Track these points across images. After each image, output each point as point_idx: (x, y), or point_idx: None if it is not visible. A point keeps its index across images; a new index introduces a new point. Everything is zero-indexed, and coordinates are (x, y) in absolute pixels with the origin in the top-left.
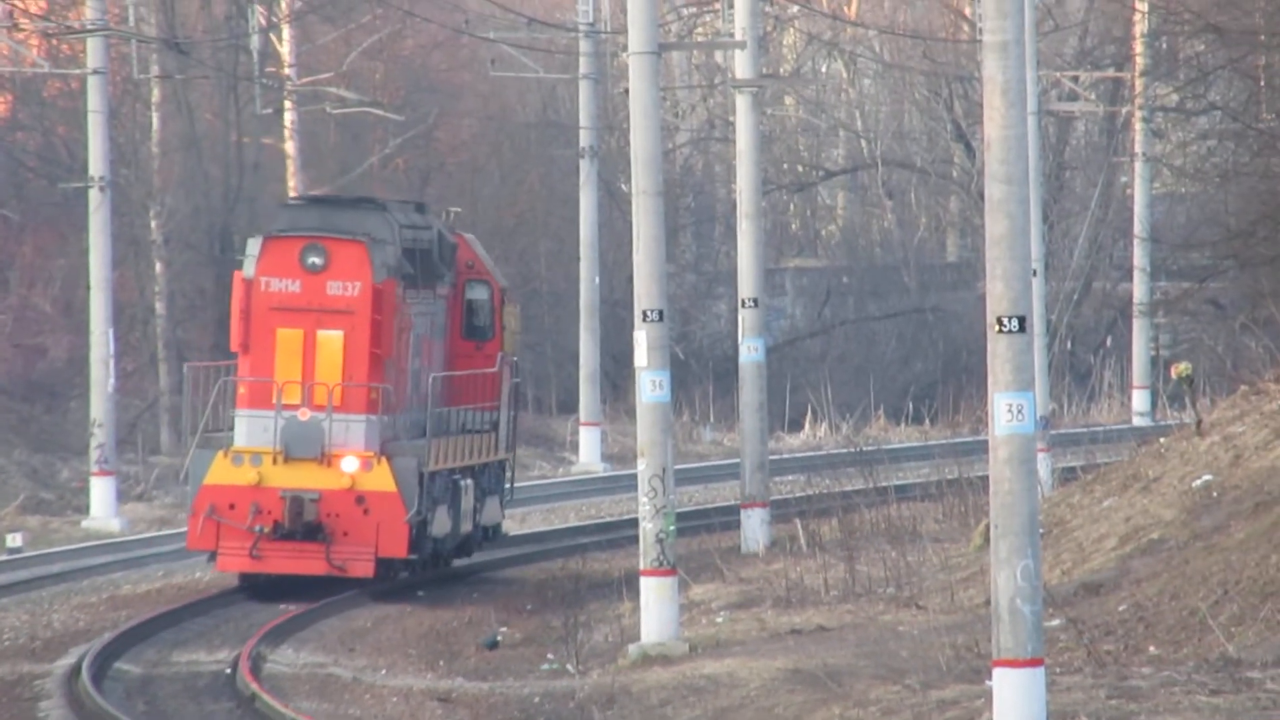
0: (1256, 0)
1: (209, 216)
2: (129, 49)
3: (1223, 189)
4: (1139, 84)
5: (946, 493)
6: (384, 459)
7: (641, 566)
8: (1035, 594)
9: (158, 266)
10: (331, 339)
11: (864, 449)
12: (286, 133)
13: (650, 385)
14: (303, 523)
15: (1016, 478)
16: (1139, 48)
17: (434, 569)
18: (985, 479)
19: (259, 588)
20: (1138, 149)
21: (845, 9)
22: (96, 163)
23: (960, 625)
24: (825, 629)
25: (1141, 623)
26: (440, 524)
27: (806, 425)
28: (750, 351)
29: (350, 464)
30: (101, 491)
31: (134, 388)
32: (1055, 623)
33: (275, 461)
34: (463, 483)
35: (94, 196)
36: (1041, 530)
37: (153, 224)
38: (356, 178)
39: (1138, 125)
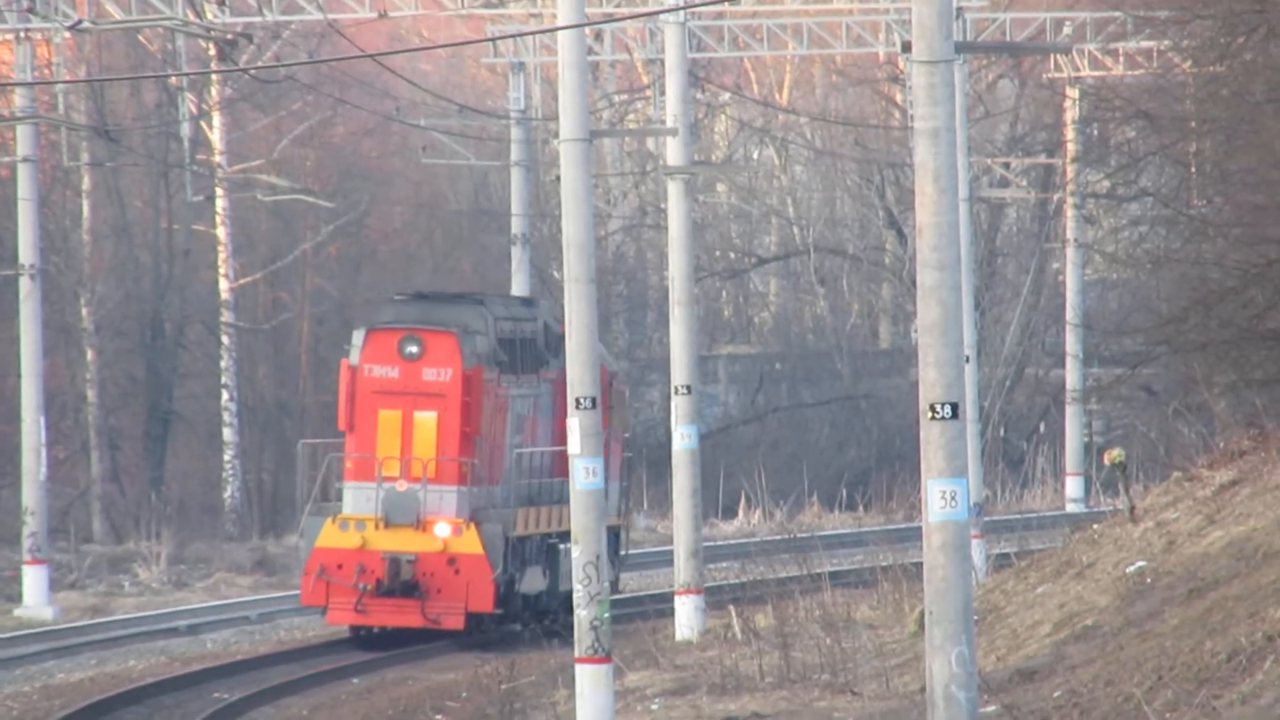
0: (1186, 87)
1: (140, 303)
2: (59, 136)
3: (1154, 275)
4: (1070, 170)
5: (881, 579)
6: (472, 525)
7: (577, 654)
8: (970, 680)
9: (89, 354)
10: (426, 419)
11: (798, 535)
12: (218, 219)
13: (584, 472)
14: (401, 581)
15: (950, 564)
16: (1070, 134)
17: (533, 623)
18: (919, 565)
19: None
20: (1069, 235)
21: (777, 96)
22: (26, 250)
23: (896, 711)
24: (760, 716)
25: (1077, 709)
26: (531, 583)
27: (740, 512)
28: (683, 439)
29: (442, 529)
30: (34, 580)
31: (66, 475)
32: (991, 709)
33: (377, 527)
34: (561, 546)
35: (24, 284)
36: (976, 616)
37: (84, 311)
38: (288, 265)
39: (1069, 211)
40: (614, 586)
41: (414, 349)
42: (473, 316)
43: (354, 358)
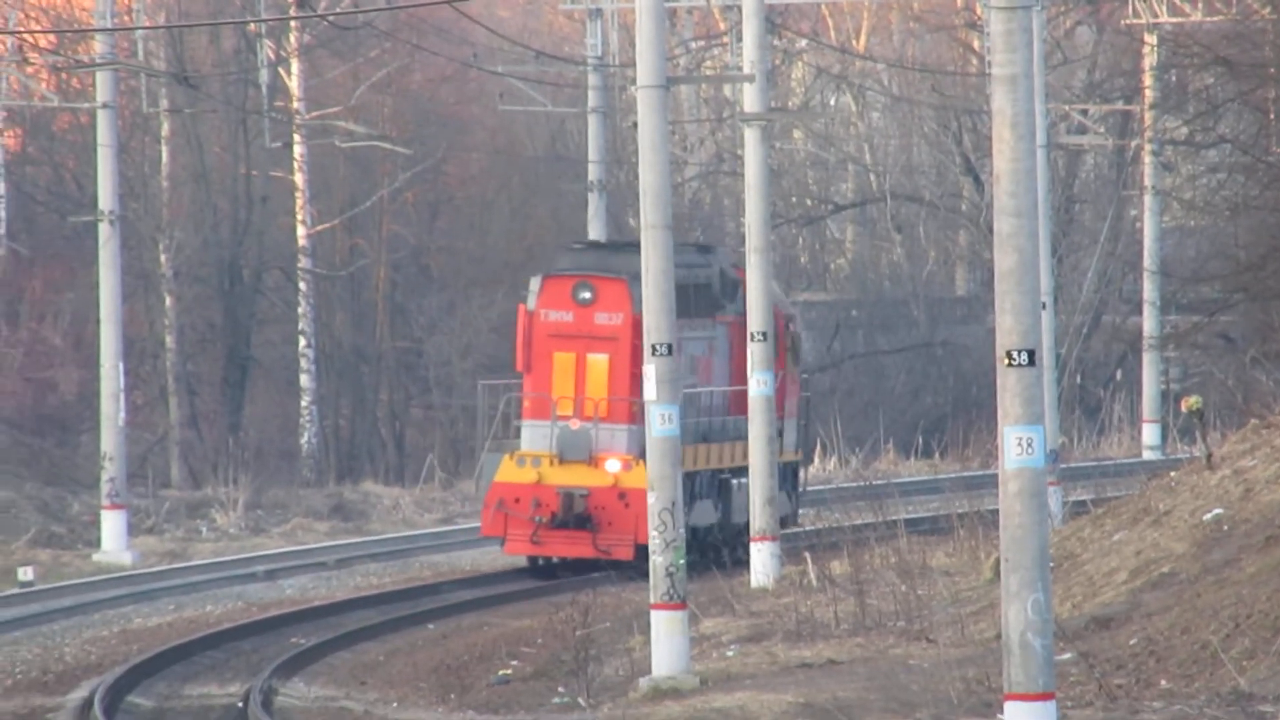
0: (1266, 34)
1: (218, 250)
2: (138, 83)
3: (1232, 222)
4: (1148, 117)
5: (957, 526)
6: (641, 461)
7: (652, 600)
8: (1046, 628)
9: (167, 300)
10: (599, 361)
11: (874, 482)
12: (295, 166)
13: (660, 419)
14: (574, 514)
15: (1027, 511)
16: (1148, 81)
17: (702, 554)
18: (995, 513)
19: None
20: (1147, 182)
21: (854, 43)
22: (106, 196)
23: (971, 659)
24: (836, 662)
25: (1153, 656)
26: (702, 516)
27: (816, 459)
28: (760, 385)
29: (613, 465)
30: (112, 525)
31: (144, 421)
32: (1066, 656)
33: (552, 463)
34: (734, 481)
35: (103, 230)
36: (1052, 564)
37: (162, 258)
38: (365, 211)
39: (1147, 159)
40: (793, 519)
41: (587, 295)
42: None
43: (531, 303)
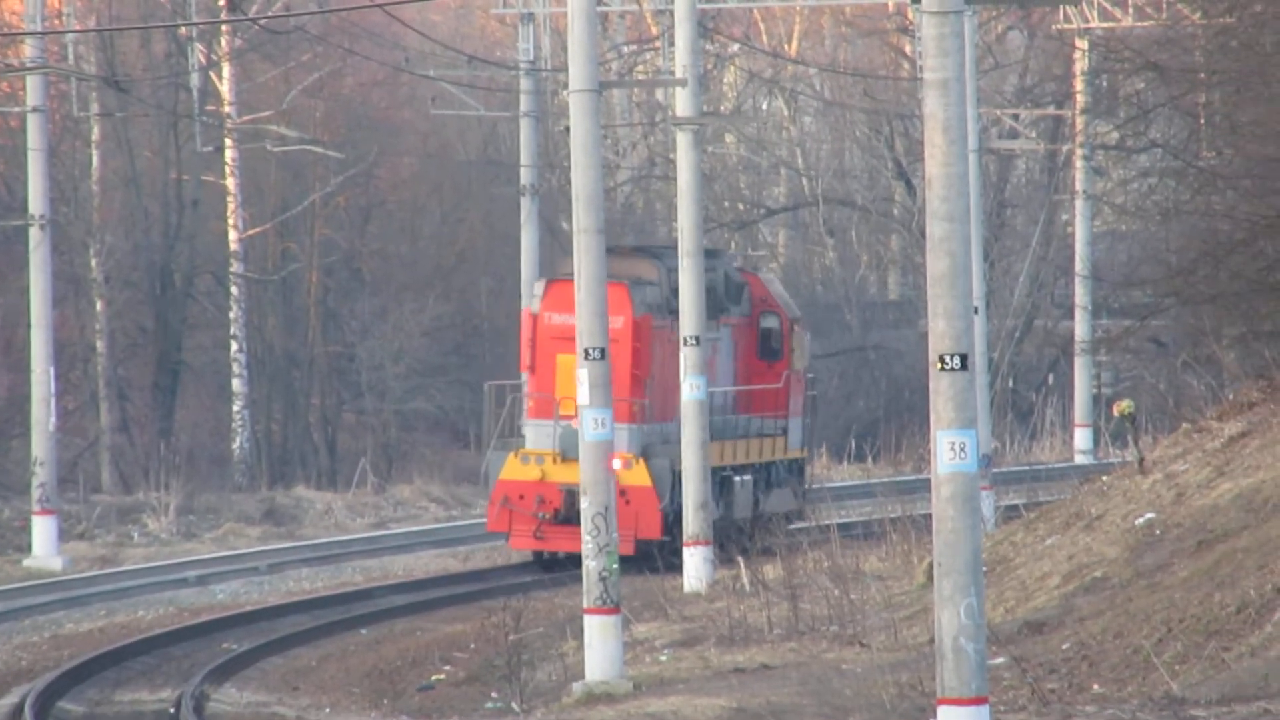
0: (1196, 39)
1: (149, 254)
2: (69, 87)
3: (1164, 226)
4: (1079, 122)
5: (890, 531)
6: (641, 460)
7: (585, 605)
8: (979, 632)
9: (98, 305)
10: None
11: (807, 487)
12: (227, 170)
13: (592, 423)
14: (576, 511)
15: (959, 515)
16: (1079, 85)
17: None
18: (928, 517)
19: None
20: (1078, 186)
21: (786, 47)
22: (36, 201)
23: (904, 663)
24: (769, 667)
25: (1085, 661)
26: None
27: None
28: (692, 389)
29: (614, 464)
30: (43, 530)
31: (75, 426)
32: (999, 661)
33: (555, 461)
34: (737, 478)
35: (34, 234)
36: (985, 568)
37: (93, 262)
38: (297, 215)
39: (1078, 163)
40: (800, 515)
41: None
42: (646, 268)
43: (535, 306)
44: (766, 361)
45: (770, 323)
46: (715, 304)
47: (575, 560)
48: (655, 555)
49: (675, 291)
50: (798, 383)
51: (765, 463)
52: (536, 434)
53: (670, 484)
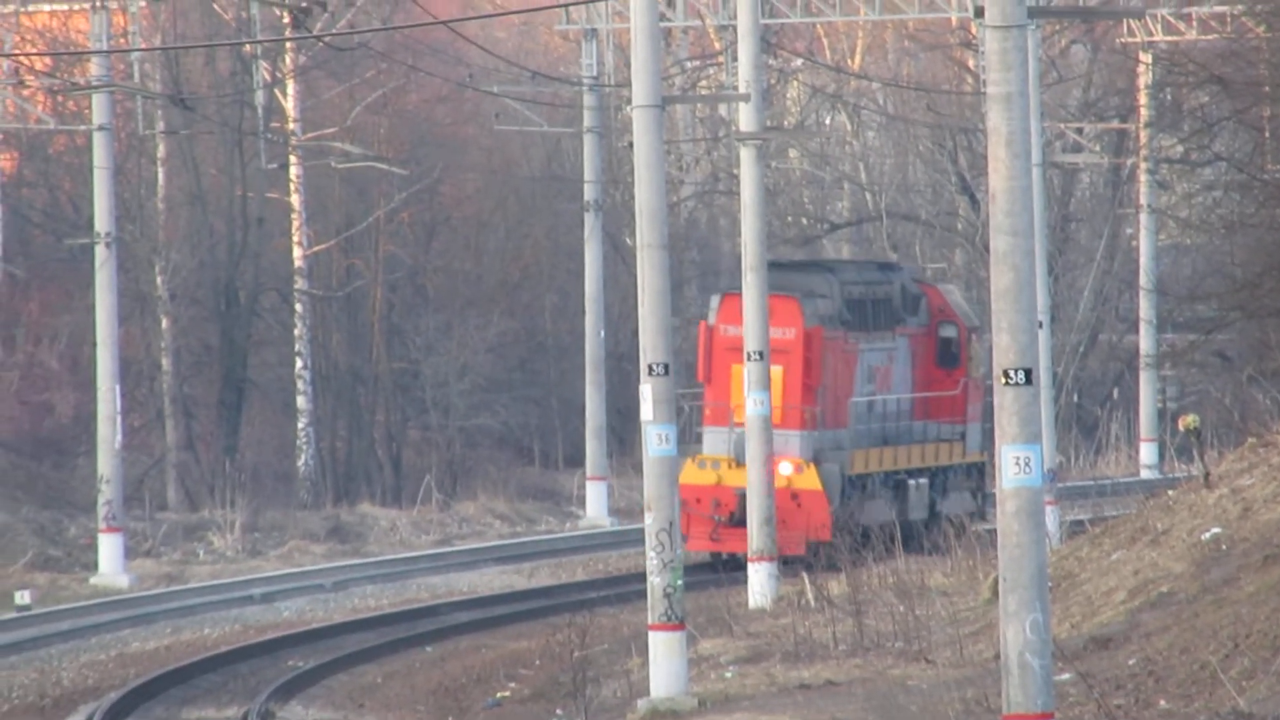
0: (1261, 52)
1: (214, 272)
2: (134, 105)
3: (1228, 240)
4: (1144, 135)
5: (955, 546)
6: (812, 465)
7: (650, 621)
8: (1045, 648)
9: (164, 322)
10: (773, 372)
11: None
12: (291, 187)
13: (656, 439)
14: None
15: (1024, 531)
16: (1143, 99)
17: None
18: (993, 532)
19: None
20: (1143, 200)
21: (849, 62)
22: (102, 219)
23: (969, 679)
24: (834, 684)
25: (1151, 676)
26: (874, 514)
27: None
28: (755, 405)
29: (786, 468)
30: (109, 548)
31: (141, 444)
32: (1065, 676)
33: (730, 466)
34: (911, 481)
35: (100, 252)
36: (1050, 583)
37: (158, 279)
38: (361, 232)
39: (1143, 177)
40: (980, 516)
41: None
42: (818, 282)
43: (711, 319)
44: (945, 369)
45: (948, 332)
46: (892, 315)
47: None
48: (817, 555)
49: (849, 304)
50: (976, 389)
51: (942, 466)
52: (713, 440)
53: (840, 488)
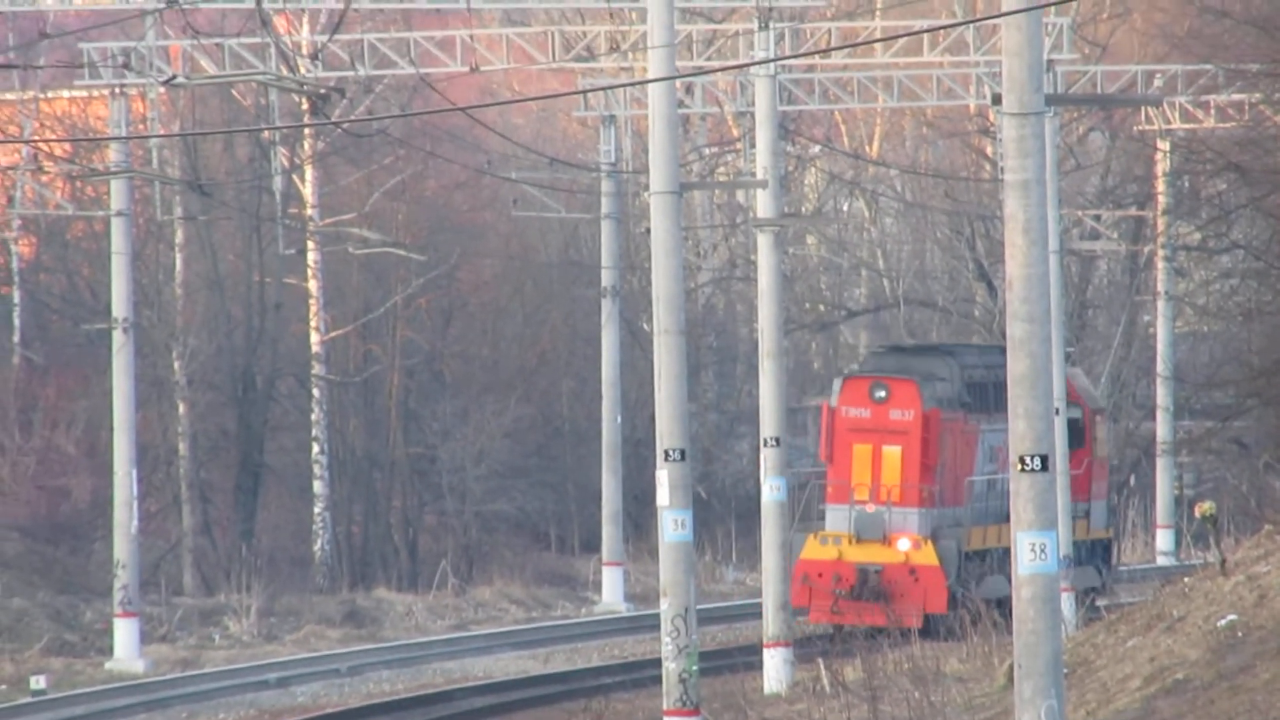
0: (1278, 140)
1: (232, 357)
2: (152, 191)
3: (1245, 327)
4: (1161, 222)
5: (970, 631)
6: (929, 541)
7: (665, 706)
8: None
9: (181, 407)
10: (892, 452)
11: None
12: (309, 273)
13: (673, 524)
14: (869, 588)
15: (1040, 617)
16: (1161, 186)
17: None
18: (1010, 617)
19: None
20: (1160, 287)
21: (867, 148)
22: (120, 304)
23: None
24: None
25: None
26: (993, 589)
27: None
28: (772, 491)
29: (904, 544)
30: (125, 633)
31: (157, 528)
32: None
33: (850, 542)
34: None
35: (117, 338)
36: (1066, 670)
37: (175, 365)
38: (378, 317)
39: (1160, 264)
40: (1104, 590)
41: (882, 394)
42: (938, 365)
43: (833, 401)
44: (1070, 449)
45: (1073, 414)
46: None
47: (867, 632)
48: (931, 627)
49: (969, 386)
50: (1100, 468)
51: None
52: (834, 517)
53: (956, 563)
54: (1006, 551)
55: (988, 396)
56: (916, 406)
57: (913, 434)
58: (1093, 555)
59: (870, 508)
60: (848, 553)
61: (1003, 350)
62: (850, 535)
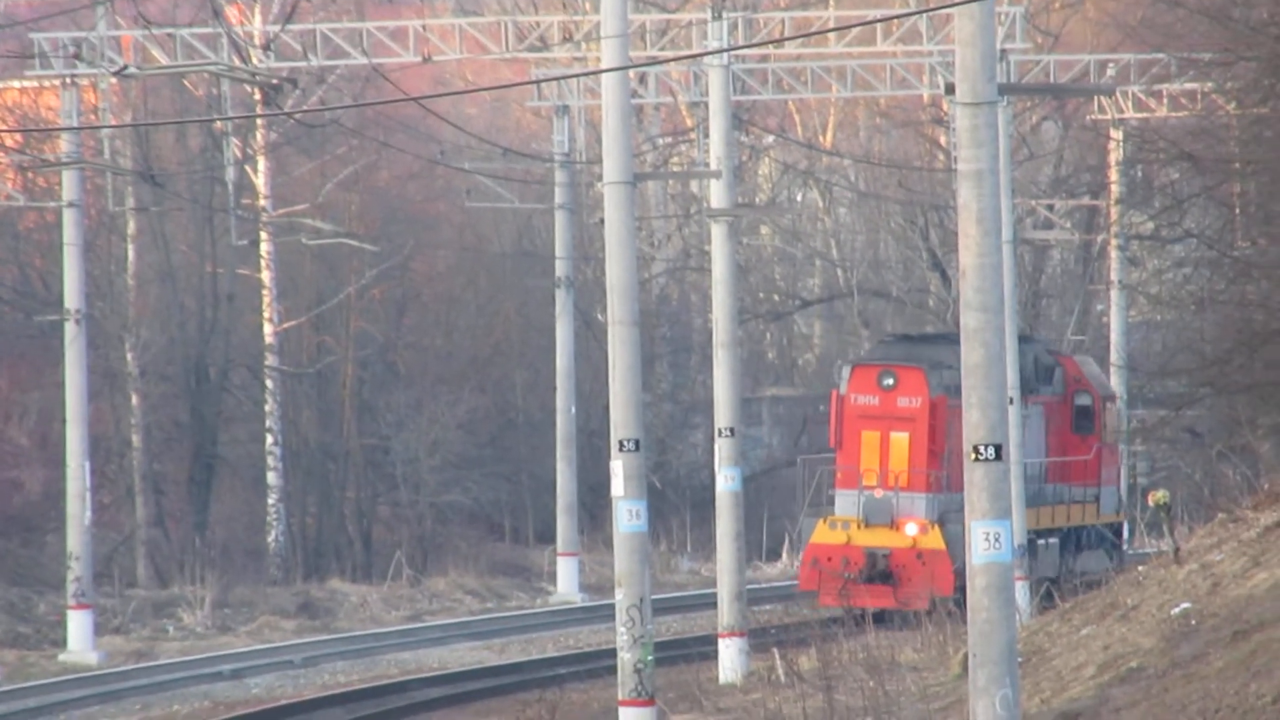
0: (1230, 129)
1: (184, 348)
2: (104, 181)
3: (1199, 316)
4: (1114, 212)
5: (925, 621)
6: (936, 525)
7: (620, 696)
8: None
9: (134, 399)
10: (900, 439)
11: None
12: (262, 264)
13: (627, 515)
14: (877, 571)
15: (994, 606)
16: (1114, 176)
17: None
18: (964, 606)
19: None
20: (1113, 276)
21: (821, 138)
22: (72, 295)
23: None
24: None
25: None
26: None
27: (784, 554)
28: (727, 481)
29: (911, 529)
30: (78, 625)
31: (110, 520)
32: None
33: (859, 527)
34: (1041, 541)
35: (69, 329)
36: (1020, 659)
37: (128, 356)
38: (332, 309)
39: (1113, 253)
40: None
41: (889, 381)
42: (946, 353)
43: (842, 388)
44: (1080, 435)
45: (1084, 400)
46: (1024, 385)
47: (877, 615)
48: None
49: None
50: (1110, 454)
51: (1075, 527)
52: (843, 502)
53: (962, 547)
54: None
55: None
56: (924, 394)
57: (920, 420)
58: (1103, 540)
59: (879, 493)
60: (856, 537)
61: (1022, 339)
62: (859, 520)
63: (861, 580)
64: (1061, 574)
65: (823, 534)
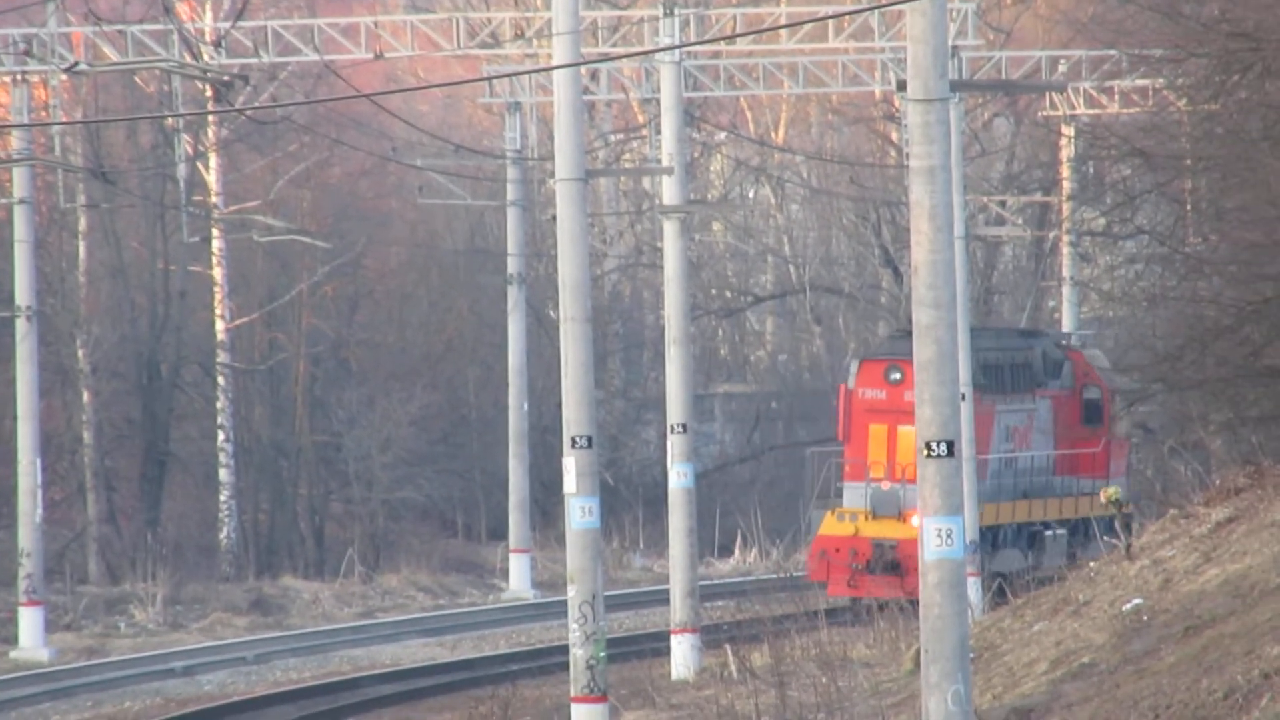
0: (1182, 125)
1: (136, 345)
2: (55, 178)
3: (1150, 312)
4: (1066, 208)
5: (877, 617)
6: None
7: (572, 693)
8: (966, 719)
9: (85, 396)
10: (907, 432)
11: (794, 574)
12: (214, 260)
13: (580, 511)
14: (884, 562)
15: (946, 602)
16: (1066, 172)
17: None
18: (916, 603)
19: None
20: (1065, 273)
21: (773, 135)
22: (23, 292)
23: None
24: None
25: None
26: (1005, 562)
27: (737, 551)
28: (679, 477)
29: (919, 520)
30: (29, 621)
31: (62, 517)
32: None
33: (867, 518)
34: (1048, 532)
35: (20, 326)
36: (972, 654)
37: (80, 353)
38: (284, 305)
39: (1065, 249)
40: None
41: (897, 375)
42: None
43: (850, 382)
44: (1089, 428)
45: (1092, 394)
46: (1031, 378)
47: (829, 611)
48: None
49: (984, 368)
50: (1119, 447)
51: (1084, 518)
52: (851, 494)
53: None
54: (1020, 526)
55: (1003, 378)
56: None
57: None
58: (1111, 531)
59: (886, 485)
60: (864, 528)
61: (1017, 334)
62: (866, 511)
63: (869, 571)
64: (1070, 564)
65: (831, 526)
